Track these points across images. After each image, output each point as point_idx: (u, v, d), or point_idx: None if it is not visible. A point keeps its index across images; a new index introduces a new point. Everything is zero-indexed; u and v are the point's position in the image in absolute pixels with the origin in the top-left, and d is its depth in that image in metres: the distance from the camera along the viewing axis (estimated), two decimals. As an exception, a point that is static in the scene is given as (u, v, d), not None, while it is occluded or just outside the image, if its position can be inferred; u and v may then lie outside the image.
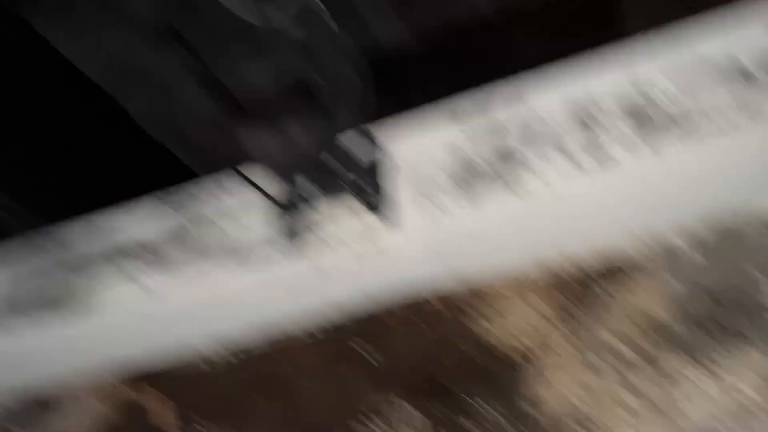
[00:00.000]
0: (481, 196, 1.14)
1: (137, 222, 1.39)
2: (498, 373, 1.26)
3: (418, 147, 1.20)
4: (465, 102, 1.19)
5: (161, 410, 1.51)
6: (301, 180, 1.17)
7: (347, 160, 1.14)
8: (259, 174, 1.20)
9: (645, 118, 1.09)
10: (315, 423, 1.37)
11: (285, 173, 1.15)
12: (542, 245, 1.26)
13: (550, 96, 1.14)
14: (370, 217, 1.21)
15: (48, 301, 1.37)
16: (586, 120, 1.12)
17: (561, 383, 1.21)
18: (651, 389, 1.14)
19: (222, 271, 1.28)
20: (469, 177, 1.15)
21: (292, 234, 1.22)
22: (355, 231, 1.21)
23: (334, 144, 1.11)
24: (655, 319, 1.20)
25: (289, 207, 1.21)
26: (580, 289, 1.28)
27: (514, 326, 1.30)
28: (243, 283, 1.27)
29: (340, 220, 1.22)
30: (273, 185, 1.23)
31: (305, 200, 1.19)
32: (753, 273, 1.18)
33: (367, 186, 1.15)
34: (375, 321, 1.42)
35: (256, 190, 1.19)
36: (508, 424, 1.20)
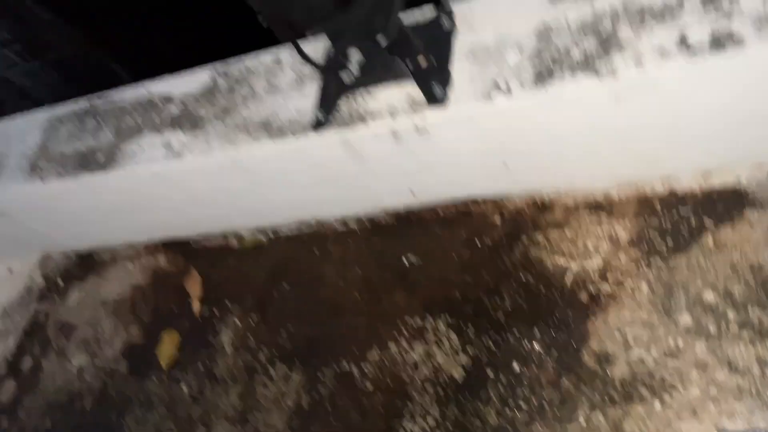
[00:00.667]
0: (560, 85, 0.88)
1: (177, 84, 1.25)
2: (553, 306, 1.03)
3: (500, 26, 0.95)
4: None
5: (188, 280, 1.43)
6: (356, 55, 0.97)
7: (412, 40, 0.93)
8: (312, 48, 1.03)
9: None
10: (337, 318, 1.22)
11: (341, 42, 0.95)
12: (627, 155, 0.99)
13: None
14: (418, 93, 0.99)
15: (82, 157, 1.29)
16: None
17: (627, 329, 0.97)
18: (741, 355, 0.88)
19: (246, 137, 1.12)
20: (549, 62, 0.90)
21: (329, 108, 1.03)
22: (397, 106, 1.00)
23: (396, 19, 0.90)
24: (762, 267, 0.92)
25: (335, 81, 1.01)
26: (671, 218, 1.01)
27: (580, 250, 1.06)
28: (264, 150, 1.10)
29: (383, 96, 1.01)
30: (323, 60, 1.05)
31: (355, 78, 0.99)
32: None
33: (431, 71, 0.94)
34: (413, 217, 1.23)
35: (305, 60, 1.00)
36: (560, 372, 0.99)
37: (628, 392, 0.93)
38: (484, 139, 1.00)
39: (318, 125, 1.05)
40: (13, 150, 1.41)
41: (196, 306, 1.38)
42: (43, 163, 1.34)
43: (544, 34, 0.92)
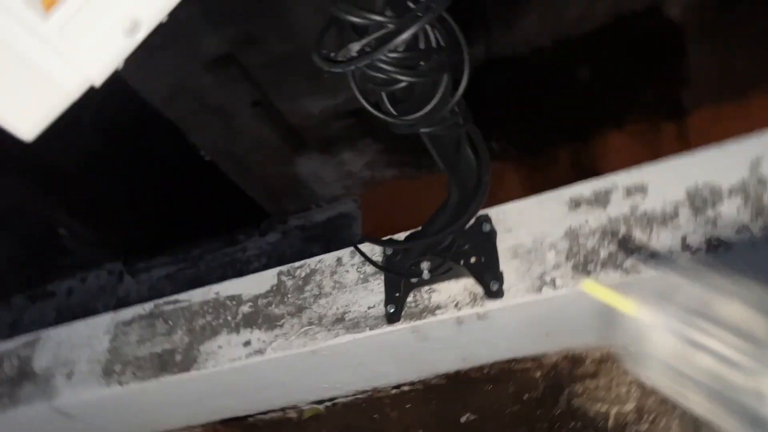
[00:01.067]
0: (587, 275, 1.14)
1: (242, 286, 1.43)
2: (599, 446, 1.25)
3: (533, 228, 1.21)
4: (584, 189, 1.20)
5: (252, 456, 1.55)
6: (421, 261, 1.20)
7: (467, 245, 1.18)
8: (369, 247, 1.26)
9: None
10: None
11: (418, 256, 1.18)
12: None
13: (672, 185, 1.14)
14: (474, 286, 1.22)
15: (160, 359, 1.43)
16: (700, 207, 1.11)
17: (666, 461, 1.19)
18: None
19: (324, 332, 1.31)
20: (582, 260, 1.16)
21: (398, 303, 1.24)
22: (459, 298, 1.23)
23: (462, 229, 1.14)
24: None
25: (405, 282, 1.23)
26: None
27: (614, 397, 1.29)
28: (343, 342, 1.29)
29: (445, 290, 1.24)
30: (383, 258, 1.27)
31: (420, 277, 1.21)
32: None
33: (484, 268, 1.18)
34: (462, 377, 1.43)
35: (368, 262, 1.22)
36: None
37: None
38: (533, 319, 1.23)
39: (392, 319, 1.26)
40: (82, 356, 1.52)
41: (266, 480, 1.50)
42: (118, 367, 1.46)
43: (573, 236, 1.18)
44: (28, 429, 1.60)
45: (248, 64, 1.97)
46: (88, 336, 1.55)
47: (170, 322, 1.47)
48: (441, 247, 1.18)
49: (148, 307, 1.52)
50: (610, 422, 1.27)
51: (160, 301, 1.52)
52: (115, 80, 0.48)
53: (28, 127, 0.45)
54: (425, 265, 1.21)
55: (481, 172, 1.00)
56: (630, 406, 1.27)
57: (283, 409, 1.58)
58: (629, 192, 1.18)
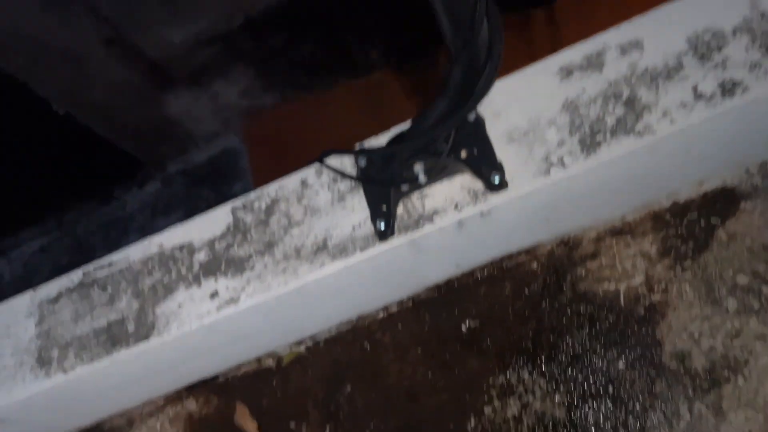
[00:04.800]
0: (606, 150, 1.03)
1: (190, 231, 1.21)
2: (620, 327, 1.19)
3: (524, 107, 1.07)
4: (573, 54, 1.07)
5: (237, 416, 1.38)
6: (413, 164, 1.03)
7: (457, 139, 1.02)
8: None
9: None
10: (418, 401, 1.27)
11: (409, 160, 1.01)
12: (643, 184, 1.17)
13: (670, 36, 1.03)
14: (472, 182, 1.08)
15: (107, 332, 1.19)
16: (704, 53, 1.02)
17: (690, 326, 1.15)
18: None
19: (306, 264, 1.13)
20: (588, 131, 1.04)
21: (388, 217, 1.08)
22: (458, 199, 1.09)
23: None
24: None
25: (386, 191, 1.07)
26: (684, 225, 1.22)
27: (620, 272, 1.22)
28: (330, 272, 1.13)
29: (439, 193, 1.09)
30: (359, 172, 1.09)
31: (415, 182, 1.05)
32: None
33: (480, 161, 1.03)
34: (453, 285, 1.32)
35: (345, 177, 1.04)
36: (651, 381, 1.14)
37: (714, 378, 1.12)
38: (536, 207, 1.12)
39: (384, 236, 1.10)
40: (4, 349, 1.26)
41: (258, 439, 1.35)
42: (56, 352, 1.22)
43: (572, 108, 1.07)
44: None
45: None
46: (6, 325, 1.28)
47: (109, 289, 1.23)
48: (436, 144, 1.02)
49: (75, 276, 1.27)
50: (622, 300, 1.21)
51: (89, 267, 1.26)
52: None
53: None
54: (419, 168, 1.05)
55: (493, 43, 0.84)
56: (639, 279, 1.21)
57: (258, 360, 1.40)
58: (624, 50, 1.07)
